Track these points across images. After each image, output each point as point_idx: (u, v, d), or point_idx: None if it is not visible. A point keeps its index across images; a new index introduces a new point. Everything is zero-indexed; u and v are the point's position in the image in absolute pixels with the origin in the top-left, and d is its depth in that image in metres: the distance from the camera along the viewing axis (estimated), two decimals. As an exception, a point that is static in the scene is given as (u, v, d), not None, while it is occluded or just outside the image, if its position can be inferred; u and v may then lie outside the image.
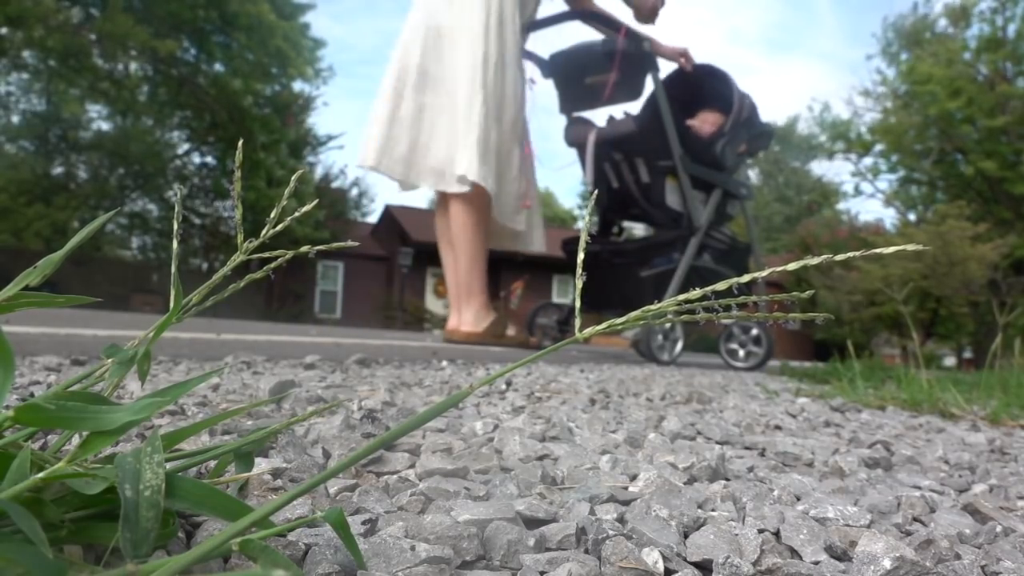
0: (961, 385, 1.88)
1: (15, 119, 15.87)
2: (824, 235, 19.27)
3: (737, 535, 0.48)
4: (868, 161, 21.43)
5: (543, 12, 3.39)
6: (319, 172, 17.47)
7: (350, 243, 0.54)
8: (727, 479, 0.68)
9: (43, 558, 0.27)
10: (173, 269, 0.45)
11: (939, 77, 17.26)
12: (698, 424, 1.02)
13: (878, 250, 0.35)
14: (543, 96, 3.80)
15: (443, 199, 3.23)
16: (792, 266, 0.36)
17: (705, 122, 3.52)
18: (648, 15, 3.38)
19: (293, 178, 0.48)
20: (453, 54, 3.07)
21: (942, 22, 19.14)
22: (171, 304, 0.44)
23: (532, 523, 0.48)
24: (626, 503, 0.56)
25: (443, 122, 3.07)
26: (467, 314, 3.24)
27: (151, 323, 0.48)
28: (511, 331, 3.31)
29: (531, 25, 3.40)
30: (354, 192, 18.83)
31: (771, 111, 27.81)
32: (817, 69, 54.81)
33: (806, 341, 19.39)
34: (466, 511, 0.47)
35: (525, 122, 3.35)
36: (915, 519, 0.59)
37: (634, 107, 3.55)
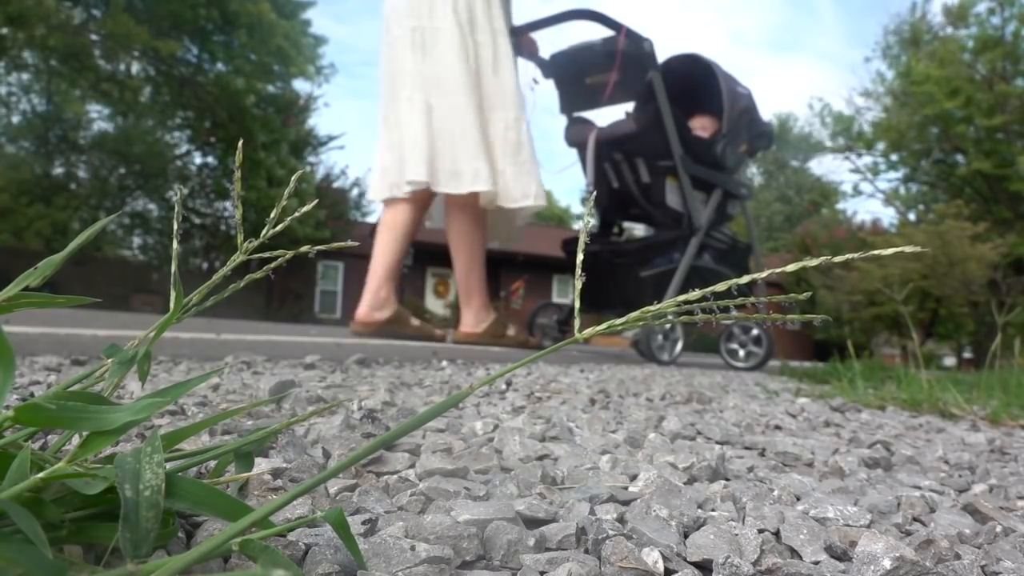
0: (961, 385, 1.88)
1: (15, 119, 15.88)
2: (823, 235, 19.27)
3: (737, 535, 0.48)
4: (868, 160, 21.44)
5: (543, 12, 3.39)
6: (320, 172, 17.46)
7: (350, 243, 0.54)
8: (727, 479, 0.69)
9: (43, 558, 0.27)
10: (173, 269, 0.45)
11: (936, 77, 17.26)
12: (698, 424, 1.02)
13: (877, 251, 0.35)
14: (543, 96, 3.79)
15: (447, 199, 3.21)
16: (792, 267, 0.36)
17: (703, 129, 3.53)
18: None
19: (293, 178, 0.48)
20: (448, 55, 3.03)
21: (940, 23, 19.15)
22: (171, 304, 0.44)
23: (532, 523, 0.48)
24: (626, 503, 0.56)
25: (453, 122, 3.03)
26: (467, 314, 3.22)
27: (151, 323, 0.48)
28: (511, 331, 3.29)
29: (532, 24, 3.40)
30: (354, 192, 18.82)
31: (773, 111, 27.82)
32: (819, 69, 54.85)
33: (806, 341, 19.38)
34: (466, 511, 0.47)
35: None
36: (915, 519, 0.59)
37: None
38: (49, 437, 0.60)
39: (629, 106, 3.56)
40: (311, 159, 17.38)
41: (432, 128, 3.03)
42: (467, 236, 3.16)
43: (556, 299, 17.71)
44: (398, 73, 3.13)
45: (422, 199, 3.16)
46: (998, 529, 0.54)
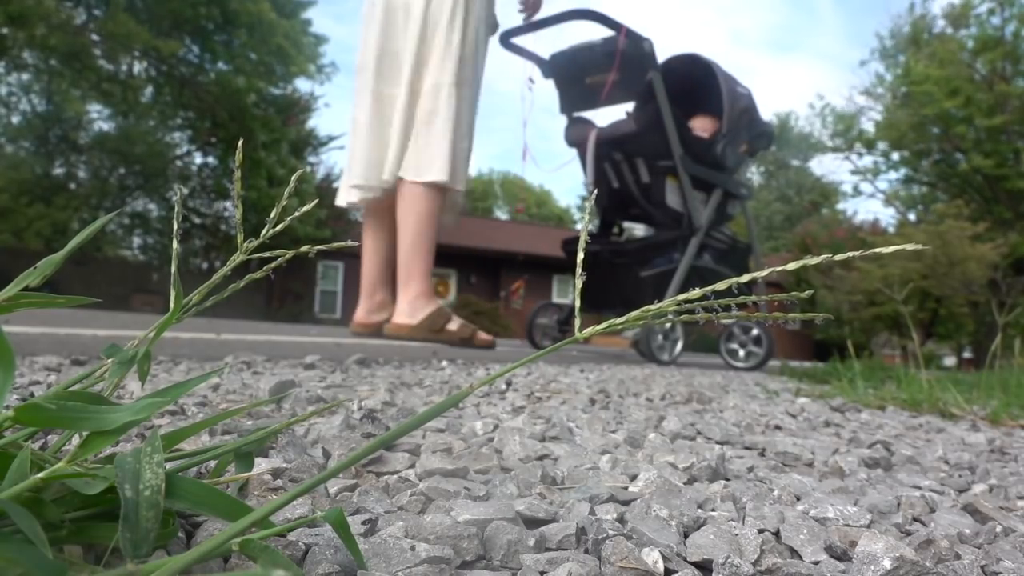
0: (961, 385, 1.88)
1: (15, 119, 15.88)
2: (823, 235, 19.28)
3: (737, 535, 0.48)
4: (868, 161, 21.46)
5: (543, 11, 3.37)
6: (320, 172, 17.47)
7: (350, 243, 0.54)
8: (727, 479, 0.68)
9: (43, 558, 0.27)
10: (173, 269, 0.45)
11: (936, 77, 17.28)
12: (698, 424, 1.02)
13: (877, 250, 0.35)
14: (543, 96, 3.78)
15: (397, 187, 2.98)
16: (791, 266, 0.36)
17: (703, 129, 3.53)
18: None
19: (293, 178, 0.49)
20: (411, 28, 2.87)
21: (940, 23, 19.18)
22: (171, 304, 0.44)
23: (532, 523, 0.48)
24: (626, 503, 0.56)
25: (390, 115, 2.90)
26: (401, 303, 2.84)
27: (151, 323, 0.48)
28: (454, 325, 2.89)
29: (532, 24, 3.39)
30: (354, 192, 18.78)
31: (773, 111, 27.90)
32: (819, 69, 54.90)
33: (806, 341, 19.38)
34: (466, 511, 0.47)
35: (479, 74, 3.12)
36: (915, 519, 0.59)
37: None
38: (49, 437, 0.60)
39: (629, 106, 3.57)
40: (311, 159, 17.39)
41: (378, 123, 2.92)
42: (415, 211, 2.85)
43: (556, 299, 17.73)
44: (363, 68, 3.02)
45: (390, 193, 2.98)
46: (998, 529, 0.54)
